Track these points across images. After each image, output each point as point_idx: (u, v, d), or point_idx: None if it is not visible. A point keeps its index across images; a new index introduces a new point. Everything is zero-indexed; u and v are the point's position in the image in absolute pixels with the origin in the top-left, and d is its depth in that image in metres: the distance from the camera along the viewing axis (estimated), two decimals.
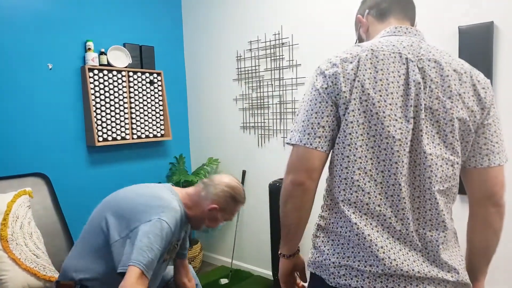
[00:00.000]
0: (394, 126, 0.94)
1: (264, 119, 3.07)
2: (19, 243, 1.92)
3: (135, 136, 3.13)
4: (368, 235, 0.95)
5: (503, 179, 1.04)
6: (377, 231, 0.96)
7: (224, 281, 3.06)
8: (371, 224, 0.96)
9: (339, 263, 0.98)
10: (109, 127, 2.95)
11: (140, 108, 3.16)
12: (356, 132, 0.95)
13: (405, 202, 0.96)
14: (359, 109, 0.94)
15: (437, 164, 0.96)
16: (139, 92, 3.15)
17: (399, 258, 0.94)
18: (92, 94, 2.84)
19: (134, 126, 3.12)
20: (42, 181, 2.38)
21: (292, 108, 2.86)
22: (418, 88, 0.95)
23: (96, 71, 2.86)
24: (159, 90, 3.29)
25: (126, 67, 3.04)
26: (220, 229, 2.63)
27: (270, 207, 2.77)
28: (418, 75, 0.96)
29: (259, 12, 3.01)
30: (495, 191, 1.03)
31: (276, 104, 2.97)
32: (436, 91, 0.97)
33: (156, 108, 3.27)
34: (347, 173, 0.97)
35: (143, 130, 3.18)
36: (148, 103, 3.21)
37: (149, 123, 3.22)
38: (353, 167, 0.96)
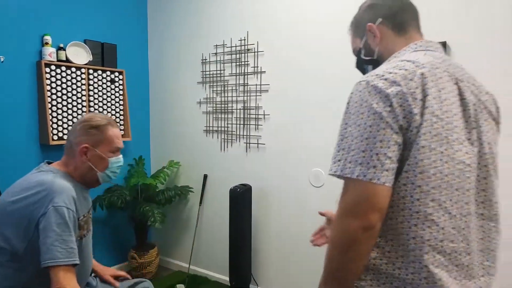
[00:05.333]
0: (461, 150, 0.86)
1: (227, 123, 3.06)
2: None
3: None
4: (440, 279, 0.83)
5: None
6: (447, 271, 0.85)
7: (180, 286, 3.01)
8: (443, 264, 0.84)
9: None
10: (65, 125, 2.83)
11: (99, 107, 3.06)
12: (429, 159, 0.83)
13: (471, 233, 0.89)
14: (430, 132, 0.83)
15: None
16: (99, 91, 3.05)
17: None
18: (48, 91, 2.72)
19: None
20: None
21: (255, 114, 2.88)
22: (474, 109, 0.91)
23: (53, 67, 2.74)
24: (120, 90, 3.20)
25: (86, 64, 2.94)
26: (175, 230, 2.38)
27: (230, 213, 2.76)
28: (472, 96, 0.92)
29: (226, 16, 3.00)
30: None
31: (240, 109, 2.98)
32: (484, 112, 0.94)
33: (116, 107, 3.18)
34: (419, 205, 0.83)
35: None
36: (108, 102, 3.12)
37: None
38: (425, 198, 0.83)
